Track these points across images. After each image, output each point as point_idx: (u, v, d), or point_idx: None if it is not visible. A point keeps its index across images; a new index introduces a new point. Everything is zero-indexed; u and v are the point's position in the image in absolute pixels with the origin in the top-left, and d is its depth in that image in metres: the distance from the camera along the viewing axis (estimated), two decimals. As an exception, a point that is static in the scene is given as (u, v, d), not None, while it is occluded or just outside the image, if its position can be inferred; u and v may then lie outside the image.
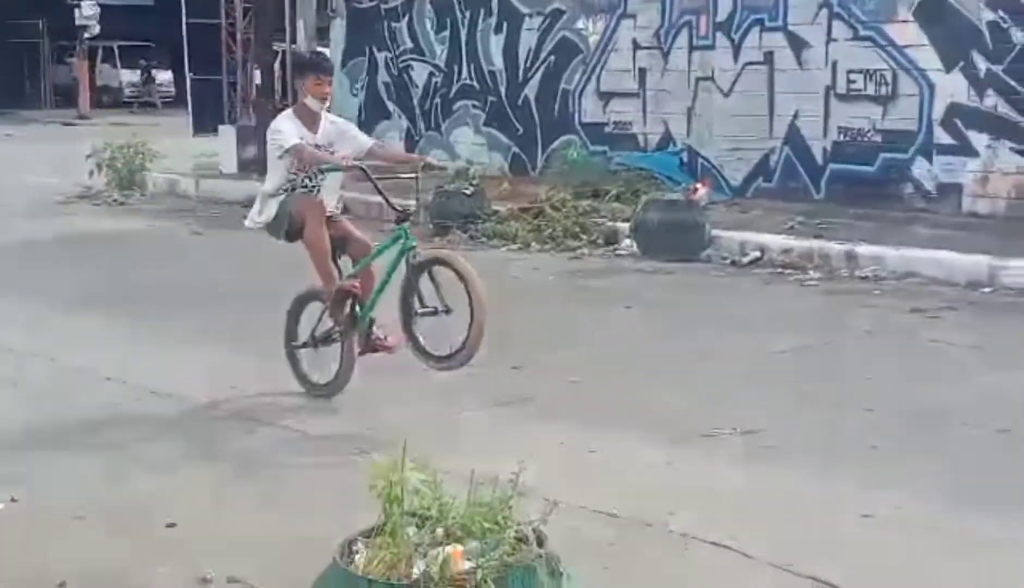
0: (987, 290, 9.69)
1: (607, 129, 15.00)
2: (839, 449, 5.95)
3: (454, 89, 16.70)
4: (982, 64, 11.78)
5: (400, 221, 6.52)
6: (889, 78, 12.45)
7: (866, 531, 4.88)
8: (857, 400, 6.72)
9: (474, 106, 16.47)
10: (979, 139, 11.87)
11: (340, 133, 6.87)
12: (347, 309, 6.78)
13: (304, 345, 6.97)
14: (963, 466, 5.71)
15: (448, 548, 3.53)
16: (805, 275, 10.54)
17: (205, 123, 19.41)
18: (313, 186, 6.78)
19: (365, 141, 7.00)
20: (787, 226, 11.90)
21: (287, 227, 6.76)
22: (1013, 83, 11.59)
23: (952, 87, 12.00)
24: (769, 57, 13.37)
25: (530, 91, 15.82)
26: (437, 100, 16.93)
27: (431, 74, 16.98)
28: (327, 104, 6.81)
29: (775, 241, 11.29)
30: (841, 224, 11.84)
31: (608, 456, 5.89)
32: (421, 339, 6.46)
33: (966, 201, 11.99)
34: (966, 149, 11.96)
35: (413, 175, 6.85)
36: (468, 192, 13.11)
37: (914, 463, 5.72)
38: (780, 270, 10.78)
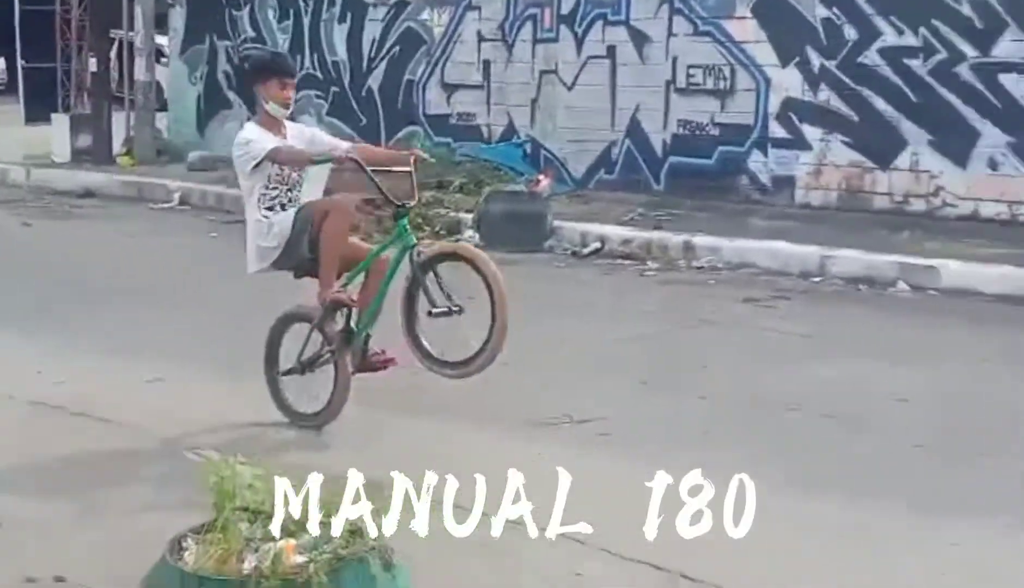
0: (818, 280, 9.98)
1: (451, 120, 15.00)
2: (673, 436, 6.06)
3: (296, 79, 16.46)
4: (816, 60, 12.10)
5: (399, 217, 5.98)
6: (727, 73, 12.70)
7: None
8: (692, 388, 6.86)
9: (317, 96, 16.30)
10: (812, 133, 12.19)
11: (310, 140, 6.32)
12: (340, 324, 6.17)
13: (290, 371, 6.27)
14: (791, 451, 5.88)
15: (280, 542, 3.51)
16: (644, 265, 10.71)
17: (38, 111, 18.82)
18: (295, 197, 6.13)
19: (340, 144, 6.37)
20: (627, 217, 12.06)
21: (309, 234, 6.00)
22: (845, 78, 11.92)
23: (787, 82, 12.30)
24: (611, 51, 13.52)
25: (374, 82, 15.74)
26: (279, 90, 16.68)
27: (273, 63, 16.72)
28: (291, 110, 6.27)
29: (615, 232, 11.45)
30: (680, 216, 12.05)
31: (446, 448, 5.90)
32: (428, 345, 5.92)
33: (799, 193, 12.31)
34: (800, 142, 12.27)
35: (406, 169, 6.14)
36: (310, 183, 12.98)
37: (745, 449, 5.86)
38: (620, 261, 10.93)
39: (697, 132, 12.95)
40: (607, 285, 10.09)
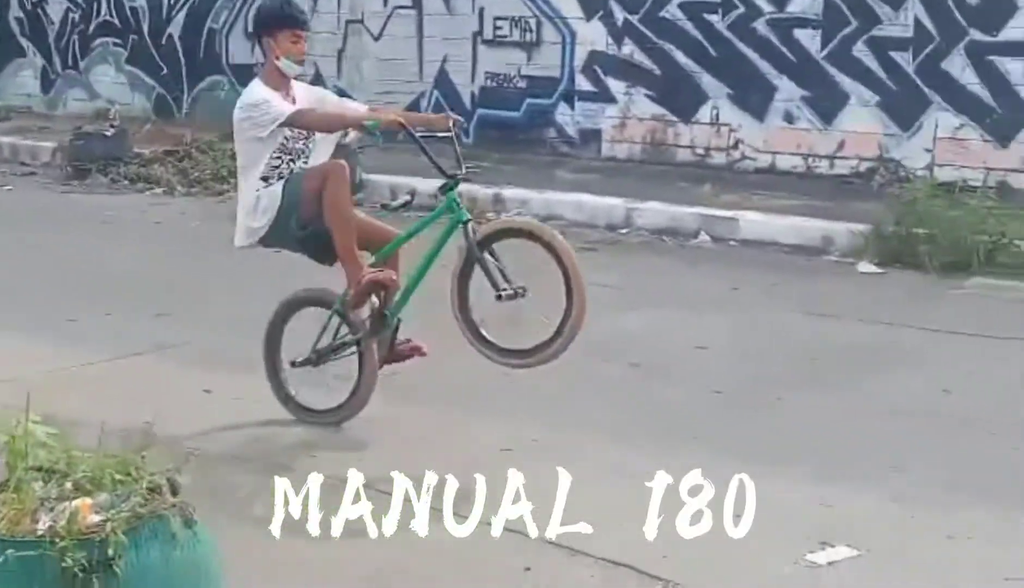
0: (624, 231, 10.14)
1: (256, 70, 14.67)
2: (479, 387, 6.09)
3: (93, 26, 15.96)
4: (620, 13, 12.23)
5: (447, 189, 5.39)
6: (533, 25, 12.75)
7: (505, 462, 5.03)
8: (500, 339, 6.90)
9: (115, 44, 15.80)
10: (617, 86, 12.35)
11: (319, 100, 5.70)
12: (371, 308, 5.58)
13: (303, 363, 5.66)
14: (599, 400, 5.99)
15: (76, 501, 3.42)
16: (454, 218, 10.69)
17: None
18: (297, 170, 5.49)
19: (357, 106, 5.80)
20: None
21: (299, 211, 5.39)
22: (648, 32, 12.09)
23: (592, 35, 12.42)
24: (418, 2, 13.44)
25: (175, 29, 15.30)
26: (75, 37, 16.13)
27: (68, 10, 16.15)
28: (303, 67, 5.65)
29: (425, 185, 11.35)
30: (489, 168, 12.06)
31: (248, 402, 5.82)
32: (485, 331, 5.36)
33: (605, 146, 12.47)
34: (605, 95, 12.42)
35: (447, 134, 5.51)
36: (108, 134, 12.68)
37: (551, 398, 5.94)
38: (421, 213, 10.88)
39: (505, 84, 12.99)
40: (419, 238, 10.04)
